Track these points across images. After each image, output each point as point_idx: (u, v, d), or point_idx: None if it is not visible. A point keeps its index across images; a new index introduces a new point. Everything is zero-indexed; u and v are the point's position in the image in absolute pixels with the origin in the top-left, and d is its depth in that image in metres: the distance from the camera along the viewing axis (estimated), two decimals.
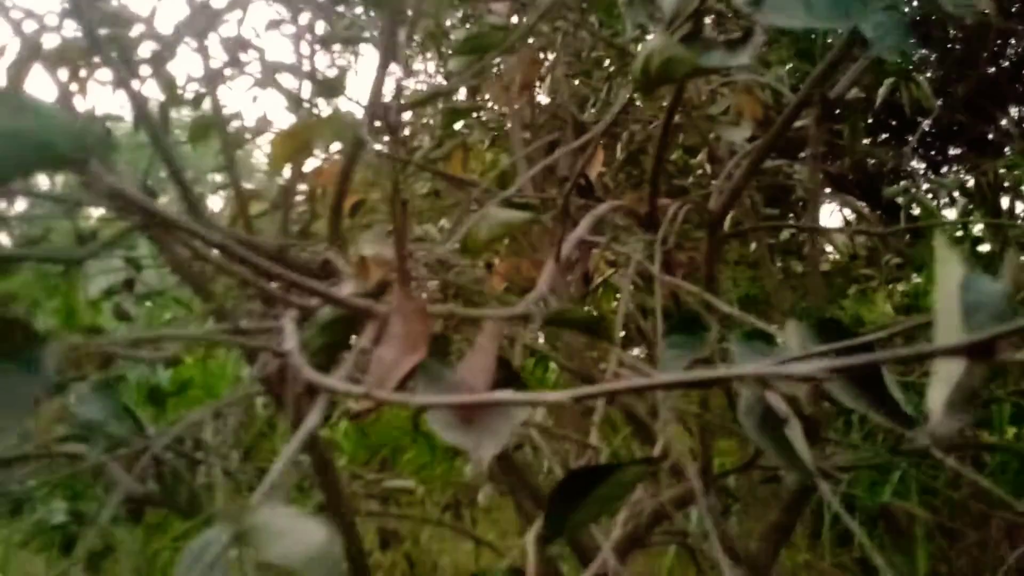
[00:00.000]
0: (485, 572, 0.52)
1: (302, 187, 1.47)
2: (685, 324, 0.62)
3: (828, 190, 1.76)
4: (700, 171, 1.79)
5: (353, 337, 0.57)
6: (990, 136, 3.28)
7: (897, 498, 2.16)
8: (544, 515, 0.49)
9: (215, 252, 0.54)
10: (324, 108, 1.13)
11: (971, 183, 2.04)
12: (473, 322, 0.55)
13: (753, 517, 1.70)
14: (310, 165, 1.47)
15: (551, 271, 0.61)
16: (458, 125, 1.71)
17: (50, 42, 0.94)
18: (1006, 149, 2.71)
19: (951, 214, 2.31)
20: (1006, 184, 2.30)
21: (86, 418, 0.65)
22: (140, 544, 2.34)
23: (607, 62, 1.65)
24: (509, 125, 1.39)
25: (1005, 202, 2.24)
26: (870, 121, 2.94)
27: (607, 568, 0.63)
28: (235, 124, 1.35)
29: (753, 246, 2.17)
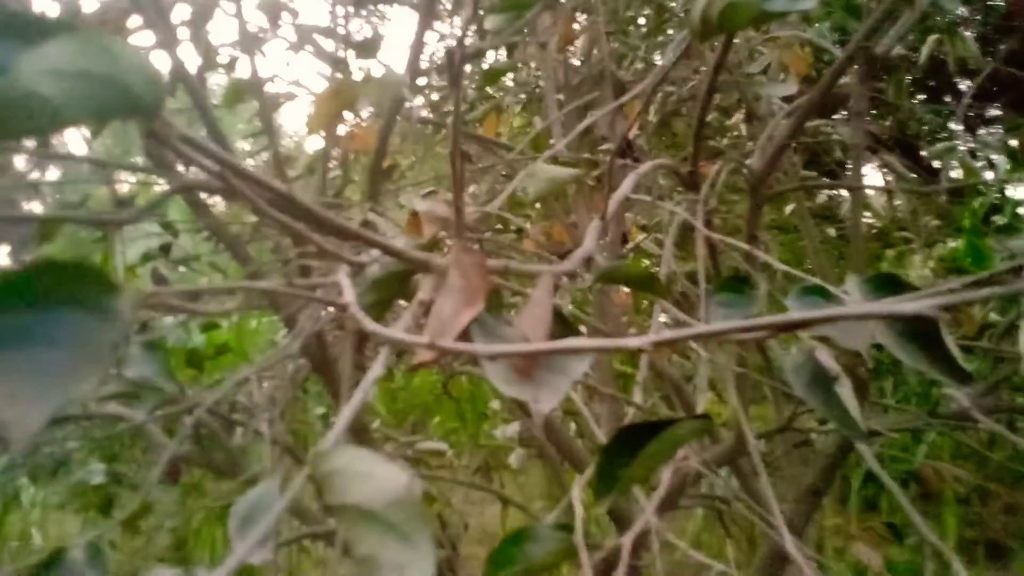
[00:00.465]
0: (529, 529, 0.53)
1: (335, 152, 1.47)
2: (733, 282, 0.61)
3: (868, 151, 1.73)
4: (735, 132, 1.76)
5: (400, 299, 0.57)
6: None
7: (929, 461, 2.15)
8: (595, 471, 0.49)
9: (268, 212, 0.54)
10: (359, 70, 1.12)
11: (1014, 143, 1.98)
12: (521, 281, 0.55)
13: (786, 481, 1.70)
14: (342, 130, 1.47)
15: (596, 228, 0.60)
16: (491, 88, 1.69)
17: (90, 5, 0.94)
18: None
19: (990, 176, 2.26)
20: None
21: (137, 377, 0.65)
22: (177, 505, 2.40)
23: (643, 20, 1.62)
24: (543, 85, 1.38)
25: None
26: (909, 81, 2.87)
27: (648, 528, 0.63)
28: (269, 88, 1.35)
29: (789, 209, 2.14)
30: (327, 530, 1.39)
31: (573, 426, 2.08)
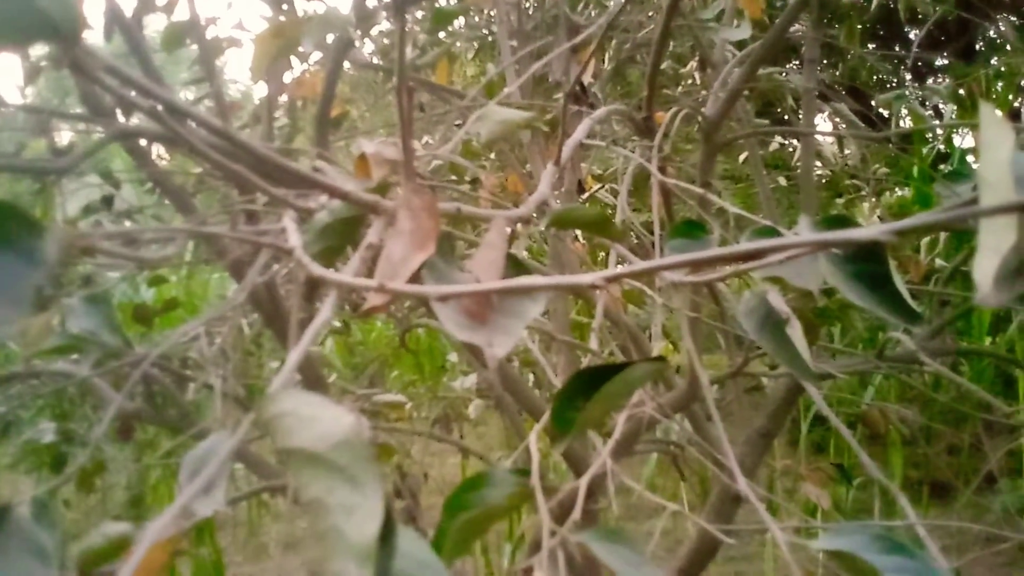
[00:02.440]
0: (486, 474, 0.53)
1: (282, 100, 1.43)
2: (687, 227, 0.61)
3: (819, 99, 1.74)
4: (690, 80, 1.76)
5: (349, 245, 0.56)
6: (978, 46, 3.24)
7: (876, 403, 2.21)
8: (551, 414, 0.49)
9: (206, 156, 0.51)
10: (304, 12, 1.09)
11: (962, 92, 2.02)
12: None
13: (737, 425, 1.74)
14: (289, 77, 1.43)
15: (551, 174, 0.59)
16: (442, 34, 1.65)
17: None
18: (992, 59, 2.68)
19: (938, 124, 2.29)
20: (993, 96, 2.28)
21: (79, 330, 0.63)
22: (130, 461, 2.37)
23: None
24: (496, 31, 1.35)
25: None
26: (859, 29, 2.89)
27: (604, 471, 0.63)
28: (211, 31, 1.30)
29: (741, 159, 2.15)
30: (284, 484, 1.38)
31: (531, 377, 2.10)
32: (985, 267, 0.21)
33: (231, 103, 1.60)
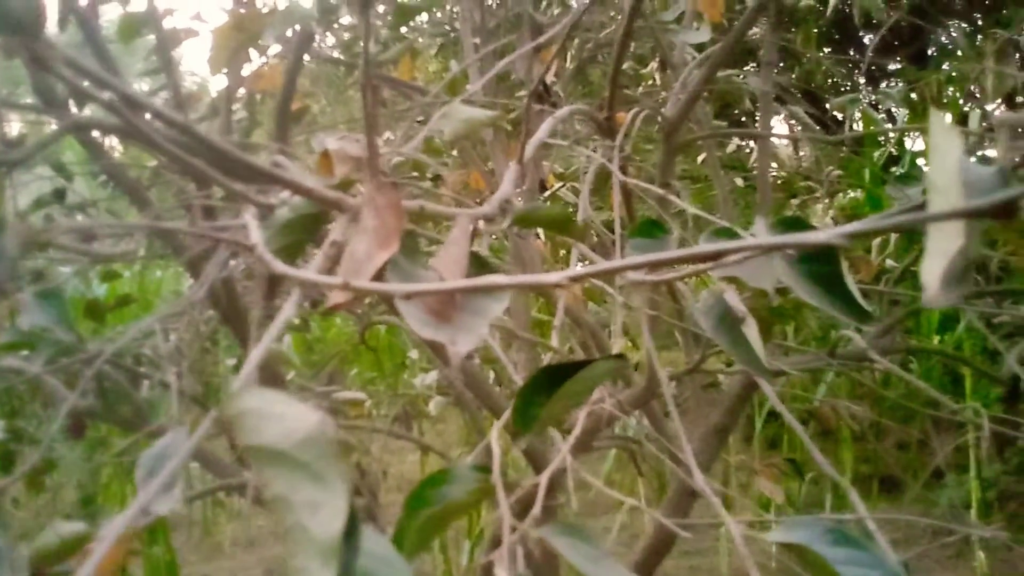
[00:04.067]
0: (447, 471, 0.53)
1: (241, 93, 1.41)
2: (648, 227, 0.62)
3: (775, 102, 1.77)
4: (651, 81, 1.77)
5: (311, 242, 0.55)
6: (930, 51, 3.32)
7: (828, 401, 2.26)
8: (513, 410, 0.50)
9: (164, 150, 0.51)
10: (264, 4, 1.07)
11: (914, 96, 2.07)
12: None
13: (694, 421, 1.77)
14: (248, 70, 1.41)
15: (513, 172, 0.60)
16: (405, 29, 1.65)
17: None
18: (945, 64, 2.75)
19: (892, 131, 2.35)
20: (945, 100, 2.34)
21: (31, 326, 0.62)
22: (82, 460, 2.31)
23: None
24: (459, 28, 1.35)
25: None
26: (815, 33, 2.95)
27: (564, 466, 0.64)
28: (168, 22, 1.28)
29: (700, 159, 2.18)
30: (241, 482, 1.37)
31: (492, 374, 2.10)
32: (933, 269, 0.22)
33: (188, 95, 1.57)
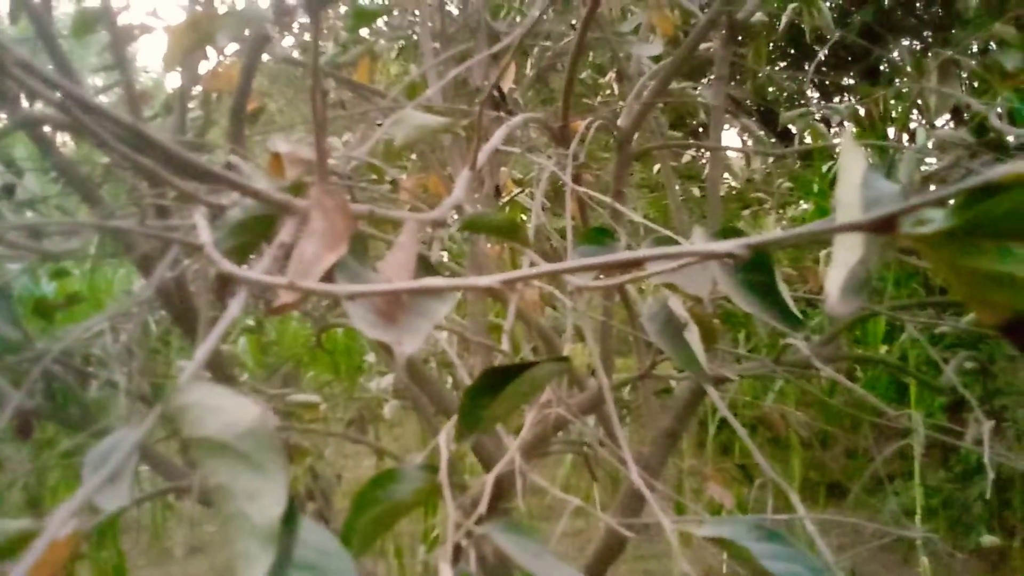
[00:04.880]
0: (394, 471, 0.54)
1: (196, 91, 1.39)
2: (596, 234, 0.64)
3: (728, 115, 1.81)
4: (608, 91, 1.80)
5: (263, 243, 0.56)
6: (882, 67, 3.42)
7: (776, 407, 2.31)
8: (459, 410, 0.51)
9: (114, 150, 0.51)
10: (220, 3, 1.07)
11: (862, 112, 2.13)
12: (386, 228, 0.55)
13: (645, 426, 1.80)
14: (204, 68, 1.40)
15: (467, 178, 0.61)
16: (364, 32, 1.65)
17: None
18: (895, 80, 2.83)
19: (839, 143, 2.41)
20: (894, 116, 2.42)
21: None
22: (28, 461, 2.26)
23: None
24: (419, 32, 1.36)
25: (891, 133, 2.36)
26: (770, 48, 3.01)
27: (513, 468, 0.65)
28: (123, 18, 1.26)
29: (656, 169, 2.21)
30: (191, 485, 1.35)
31: (450, 379, 2.10)
32: (835, 279, 0.23)
33: (142, 92, 1.56)
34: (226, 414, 0.24)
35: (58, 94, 0.35)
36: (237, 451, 0.24)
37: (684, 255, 0.28)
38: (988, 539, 2.22)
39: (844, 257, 0.24)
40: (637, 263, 0.31)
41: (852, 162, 0.25)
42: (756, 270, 0.49)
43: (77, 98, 0.35)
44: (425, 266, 0.42)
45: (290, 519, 0.23)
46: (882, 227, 0.20)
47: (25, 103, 1.00)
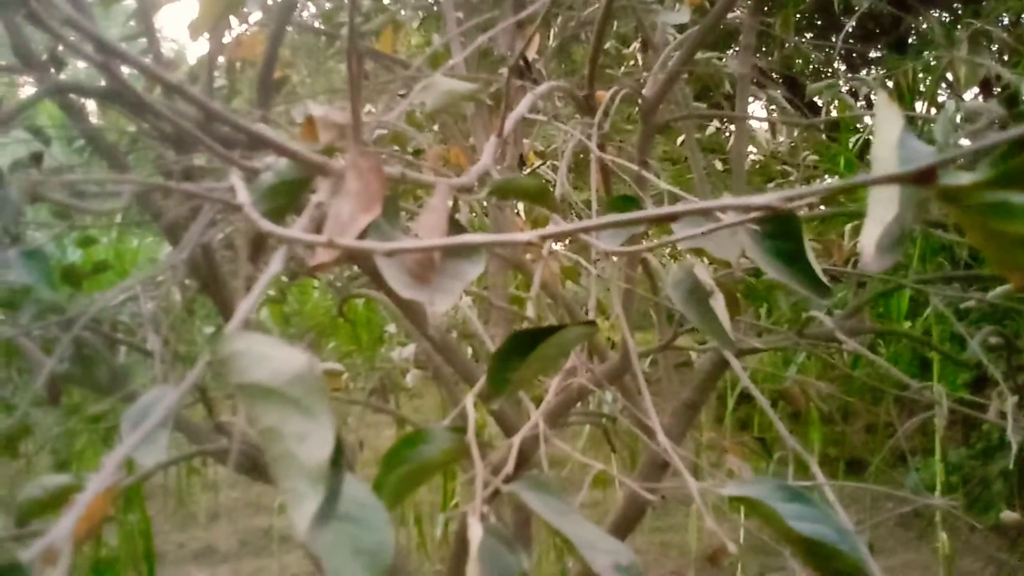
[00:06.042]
0: (423, 431, 0.55)
1: (221, 61, 1.40)
2: (622, 202, 0.64)
3: (754, 86, 1.80)
4: (632, 62, 1.79)
5: (295, 209, 0.57)
6: (910, 40, 3.36)
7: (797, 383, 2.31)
8: (488, 373, 0.52)
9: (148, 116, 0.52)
10: None
11: (890, 84, 2.10)
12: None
13: (666, 399, 1.80)
14: (229, 37, 1.40)
15: (494, 145, 0.61)
16: (387, 1, 1.65)
17: None
18: (924, 53, 2.78)
19: (868, 118, 2.38)
20: (922, 89, 2.38)
21: (16, 283, 0.63)
22: (58, 426, 2.31)
23: None
24: (441, 2, 1.35)
25: (919, 106, 2.32)
26: (797, 18, 2.97)
27: (535, 435, 0.66)
28: None
29: (679, 141, 2.20)
30: (218, 448, 1.38)
31: (470, 350, 2.12)
32: (870, 236, 0.24)
33: (168, 61, 1.56)
34: (274, 361, 0.25)
35: (99, 51, 0.36)
36: (286, 396, 0.25)
37: (720, 208, 0.28)
38: (1009, 515, 2.22)
39: (879, 213, 0.24)
40: (671, 218, 0.32)
41: (888, 122, 0.25)
42: (784, 237, 0.49)
43: (118, 52, 0.35)
44: (457, 228, 0.43)
45: (337, 461, 0.24)
46: (922, 178, 0.20)
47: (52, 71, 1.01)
